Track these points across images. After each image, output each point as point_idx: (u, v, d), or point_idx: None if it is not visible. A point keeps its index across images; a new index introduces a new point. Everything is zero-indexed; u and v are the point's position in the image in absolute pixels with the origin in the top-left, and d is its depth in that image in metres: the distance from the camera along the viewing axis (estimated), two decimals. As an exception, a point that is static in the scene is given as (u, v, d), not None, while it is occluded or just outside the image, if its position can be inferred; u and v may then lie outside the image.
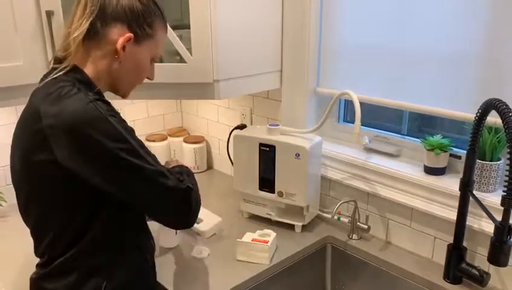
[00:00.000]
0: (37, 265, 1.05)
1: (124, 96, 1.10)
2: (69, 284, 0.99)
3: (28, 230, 1.46)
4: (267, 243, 1.37)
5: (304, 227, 1.57)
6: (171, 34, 1.39)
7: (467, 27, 1.25)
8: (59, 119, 0.89)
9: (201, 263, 1.39)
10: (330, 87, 1.65)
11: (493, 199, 1.24)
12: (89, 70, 0.98)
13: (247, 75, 1.59)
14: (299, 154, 1.47)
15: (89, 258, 0.99)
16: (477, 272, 1.23)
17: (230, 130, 1.93)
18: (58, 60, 1.00)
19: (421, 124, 1.55)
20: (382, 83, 1.48)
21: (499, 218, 1.06)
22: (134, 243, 1.08)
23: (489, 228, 1.23)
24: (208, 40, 1.42)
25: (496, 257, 1.07)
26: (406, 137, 1.56)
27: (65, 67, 0.96)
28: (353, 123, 1.38)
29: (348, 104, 1.72)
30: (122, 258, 1.05)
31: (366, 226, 1.50)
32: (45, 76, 1.00)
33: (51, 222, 0.99)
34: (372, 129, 1.64)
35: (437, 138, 1.39)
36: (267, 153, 1.52)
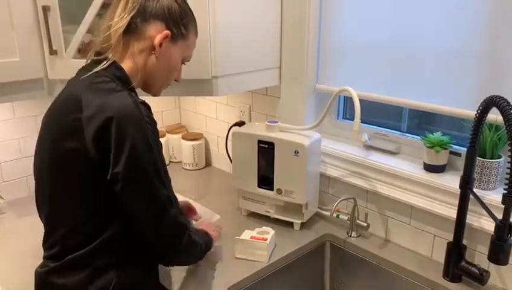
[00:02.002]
0: (46, 257, 1.04)
1: (155, 94, 1.14)
2: (80, 280, 0.99)
3: (26, 228, 1.46)
4: (265, 240, 1.37)
5: (302, 225, 1.57)
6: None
7: (468, 24, 1.24)
8: (100, 112, 0.91)
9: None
10: (329, 84, 1.64)
11: (494, 196, 1.23)
12: (126, 65, 1.02)
13: (246, 71, 1.58)
14: (298, 152, 1.46)
15: (102, 255, 1.00)
16: (476, 271, 1.22)
17: (229, 127, 1.93)
18: (98, 54, 1.03)
19: (421, 121, 1.54)
20: (382, 79, 1.47)
21: (499, 216, 1.06)
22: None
23: (489, 226, 1.23)
24: (206, 36, 1.41)
25: (496, 256, 1.07)
26: (406, 134, 1.55)
27: (105, 62, 1.00)
28: (352, 120, 1.37)
29: (348, 101, 1.71)
30: (134, 258, 1.05)
31: (365, 224, 1.49)
32: (83, 68, 1.04)
33: (70, 214, 0.99)
34: (371, 126, 1.63)
35: (437, 135, 1.39)
36: (266, 150, 1.51)
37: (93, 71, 0.99)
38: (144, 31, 1.02)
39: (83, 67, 1.05)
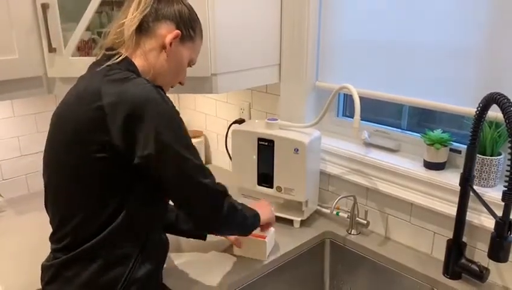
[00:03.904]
0: (56, 250, 1.04)
1: None
2: (91, 272, 0.99)
3: (25, 226, 1.46)
4: (264, 238, 1.37)
5: (302, 222, 1.57)
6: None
7: (468, 20, 1.24)
8: (121, 97, 0.94)
9: (198, 258, 1.38)
10: (329, 82, 1.63)
11: (493, 194, 1.23)
12: (138, 62, 1.05)
13: (246, 69, 1.58)
14: (298, 149, 1.46)
15: (115, 247, 1.01)
16: (476, 268, 1.22)
17: (229, 124, 1.92)
18: (110, 50, 1.06)
19: (421, 119, 1.54)
20: (382, 77, 1.47)
21: (499, 213, 1.05)
22: (159, 238, 1.12)
23: (489, 223, 1.23)
24: (205, 34, 1.40)
25: (496, 253, 1.07)
26: (406, 132, 1.55)
27: (118, 56, 1.02)
28: (352, 118, 1.37)
29: (348, 98, 1.71)
30: (146, 252, 1.06)
31: (365, 222, 1.49)
32: (94, 63, 1.06)
33: (82, 205, 0.99)
34: (371, 124, 1.63)
35: (437, 133, 1.38)
36: (266, 148, 1.51)
37: (105, 65, 1.01)
38: (155, 30, 1.05)
39: (94, 62, 1.08)
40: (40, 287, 1.15)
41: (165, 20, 1.06)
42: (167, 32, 1.06)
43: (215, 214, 1.06)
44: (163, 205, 1.12)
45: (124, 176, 0.98)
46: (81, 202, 1.00)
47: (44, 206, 1.10)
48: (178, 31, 1.07)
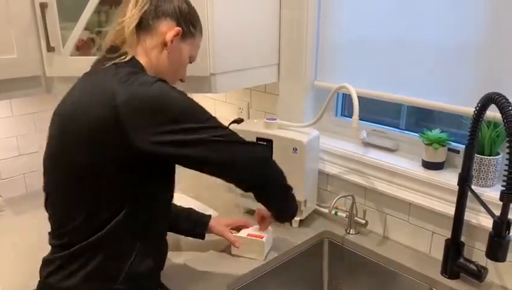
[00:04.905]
0: (57, 245, 1.04)
1: None
2: (93, 265, 1.00)
3: (23, 225, 1.45)
4: (262, 238, 1.36)
5: (301, 222, 1.57)
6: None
7: (466, 20, 1.24)
8: (135, 96, 0.94)
9: (197, 258, 1.38)
10: (328, 81, 1.63)
11: (492, 193, 1.23)
12: (141, 59, 1.05)
13: (244, 68, 1.57)
14: (296, 149, 1.46)
15: (116, 242, 1.01)
16: (475, 267, 1.23)
17: (228, 124, 1.92)
18: (112, 49, 1.05)
19: (419, 119, 1.54)
20: (380, 76, 1.47)
21: (497, 213, 1.05)
22: (160, 235, 1.13)
23: (487, 223, 1.23)
24: (204, 33, 1.39)
25: (494, 252, 1.07)
26: (404, 131, 1.55)
27: (124, 55, 1.03)
28: (351, 117, 1.37)
29: (346, 98, 1.71)
30: (146, 248, 1.07)
31: (363, 221, 1.49)
32: (98, 61, 1.07)
33: (88, 203, 0.99)
34: (370, 123, 1.63)
35: (435, 133, 1.38)
36: (264, 148, 1.51)
37: (111, 63, 1.01)
38: (156, 28, 1.05)
39: (97, 60, 1.08)
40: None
41: (165, 17, 1.05)
42: (168, 29, 1.05)
43: (267, 162, 1.13)
44: (167, 204, 1.13)
45: (133, 175, 0.98)
46: (87, 201, 1.00)
47: (44, 204, 1.09)
48: (179, 28, 1.06)
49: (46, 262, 1.06)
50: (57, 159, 1.03)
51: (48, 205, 1.08)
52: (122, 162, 0.96)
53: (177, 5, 1.07)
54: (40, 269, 1.08)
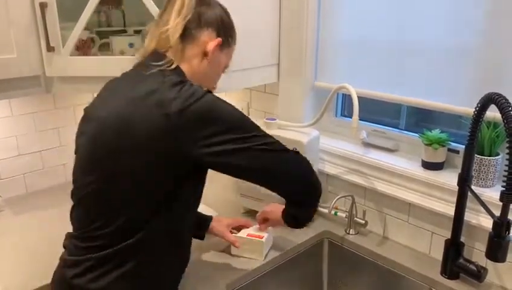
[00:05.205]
0: (83, 248, 1.03)
1: None
2: (123, 270, 1.00)
3: (23, 225, 1.45)
4: (262, 238, 1.36)
5: (301, 222, 1.57)
6: (167, 27, 1.37)
7: (466, 20, 1.24)
8: (187, 105, 0.94)
9: (197, 258, 1.38)
10: (328, 81, 1.63)
11: (492, 194, 1.23)
12: (185, 68, 1.06)
13: (244, 68, 1.57)
14: (296, 149, 1.45)
15: (149, 247, 1.02)
16: (474, 268, 1.23)
17: (227, 124, 1.92)
18: (156, 55, 1.05)
19: (419, 119, 1.54)
20: (380, 76, 1.47)
21: (497, 213, 1.05)
22: (188, 241, 1.16)
23: (487, 223, 1.23)
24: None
25: (494, 253, 1.07)
26: (404, 132, 1.55)
27: (169, 62, 1.03)
28: (351, 117, 1.37)
29: (346, 98, 1.71)
30: (177, 253, 1.11)
31: (363, 221, 1.49)
32: (139, 65, 1.07)
33: (131, 207, 1.00)
34: (369, 124, 1.63)
35: (435, 133, 1.38)
36: (264, 148, 1.51)
37: (157, 69, 1.01)
38: (198, 37, 1.06)
39: (138, 64, 1.08)
40: (39, 286, 1.15)
41: (207, 28, 1.06)
42: (209, 39, 1.07)
43: (313, 174, 1.13)
44: (195, 210, 1.16)
45: (177, 182, 1.00)
46: (130, 205, 1.00)
47: (72, 207, 1.09)
48: (220, 39, 1.08)
49: (70, 263, 1.04)
50: (99, 164, 1.01)
51: (79, 208, 1.06)
52: (171, 169, 0.97)
53: (219, 15, 1.09)
54: (61, 269, 1.05)
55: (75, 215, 1.08)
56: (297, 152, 1.10)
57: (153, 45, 1.07)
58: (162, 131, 0.94)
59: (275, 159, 1.04)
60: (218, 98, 1.00)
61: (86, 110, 1.10)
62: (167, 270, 1.08)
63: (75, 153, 1.09)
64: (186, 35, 1.05)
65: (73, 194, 1.08)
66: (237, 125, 0.99)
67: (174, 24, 1.03)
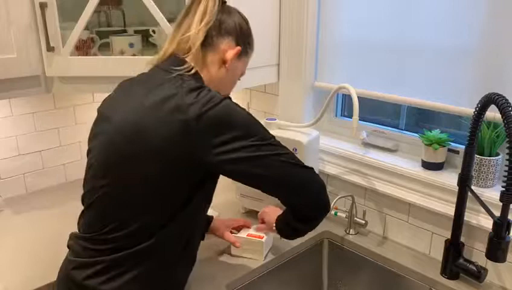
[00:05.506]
0: (94, 250, 1.03)
1: None
2: (135, 273, 1.01)
3: (23, 225, 1.45)
4: (261, 238, 1.36)
5: (300, 222, 1.56)
6: (167, 27, 1.37)
7: (466, 21, 1.24)
8: (205, 111, 0.94)
9: (197, 258, 1.38)
10: (328, 81, 1.63)
11: (492, 194, 1.23)
12: (204, 74, 1.07)
13: (244, 68, 1.57)
14: (296, 149, 1.46)
15: (161, 251, 1.03)
16: (474, 268, 1.23)
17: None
18: (175, 59, 1.05)
19: (419, 119, 1.54)
20: (380, 77, 1.47)
21: (497, 213, 1.05)
22: (197, 245, 1.17)
23: (487, 223, 1.23)
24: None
25: (494, 253, 1.07)
26: (404, 132, 1.55)
27: (189, 68, 1.04)
28: (351, 118, 1.37)
29: (346, 98, 1.71)
30: (187, 258, 1.12)
31: (363, 221, 1.49)
32: (158, 67, 1.07)
33: (147, 211, 1.00)
34: (369, 124, 1.63)
35: (435, 133, 1.39)
36: (264, 148, 1.51)
37: (176, 74, 1.01)
38: (218, 45, 1.07)
39: (157, 66, 1.08)
40: (39, 286, 1.15)
41: (227, 36, 1.08)
42: (228, 47, 1.08)
43: (324, 190, 1.10)
44: (204, 215, 1.16)
45: (192, 187, 1.00)
46: (146, 210, 1.00)
47: (83, 210, 1.09)
48: (239, 48, 1.09)
49: (79, 264, 1.03)
50: (113, 169, 1.01)
51: (90, 211, 1.06)
52: (186, 174, 0.98)
53: (238, 23, 1.10)
54: (69, 271, 1.04)
55: (85, 218, 1.07)
56: (312, 168, 1.08)
57: (172, 49, 1.07)
58: (178, 136, 0.94)
59: (290, 170, 1.03)
60: (235, 104, 1.01)
61: (99, 111, 1.10)
62: (178, 272, 1.09)
63: (87, 155, 1.09)
64: (207, 42, 1.06)
65: (84, 198, 1.08)
66: (253, 132, 0.99)
67: (197, 31, 1.04)
